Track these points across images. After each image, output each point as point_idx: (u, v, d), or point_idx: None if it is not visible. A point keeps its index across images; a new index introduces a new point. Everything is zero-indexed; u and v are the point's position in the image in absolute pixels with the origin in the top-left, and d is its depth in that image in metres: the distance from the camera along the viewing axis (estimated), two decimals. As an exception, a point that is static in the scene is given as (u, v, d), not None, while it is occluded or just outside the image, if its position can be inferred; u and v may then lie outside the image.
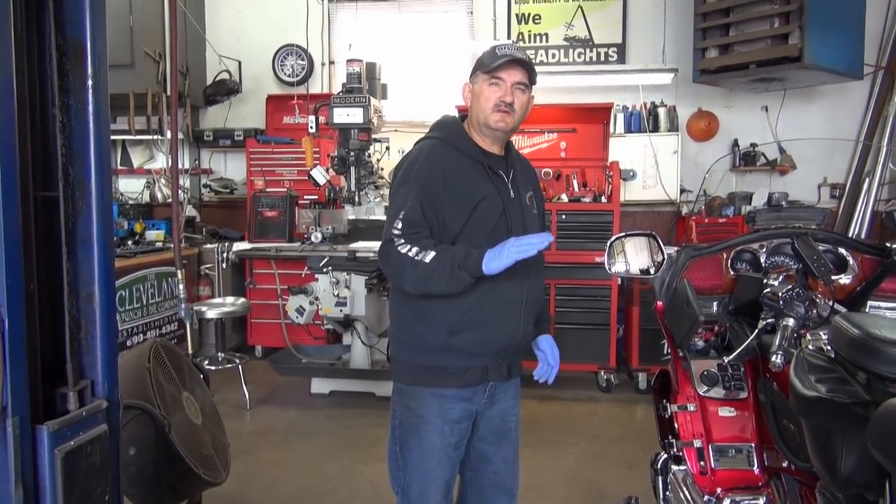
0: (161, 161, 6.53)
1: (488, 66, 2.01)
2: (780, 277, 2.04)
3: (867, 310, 2.21)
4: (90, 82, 1.39)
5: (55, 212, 1.36)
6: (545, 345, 2.23)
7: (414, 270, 1.89)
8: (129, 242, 5.55)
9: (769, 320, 1.95)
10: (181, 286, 2.73)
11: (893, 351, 1.30)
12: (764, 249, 2.28)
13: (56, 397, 1.35)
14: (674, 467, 2.26)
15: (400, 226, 1.94)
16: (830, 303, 1.98)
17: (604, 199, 5.16)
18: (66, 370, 1.36)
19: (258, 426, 4.44)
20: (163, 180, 6.45)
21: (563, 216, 5.04)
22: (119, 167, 6.74)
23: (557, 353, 2.23)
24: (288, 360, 5.06)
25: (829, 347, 1.60)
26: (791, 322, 1.86)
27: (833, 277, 2.15)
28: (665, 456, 2.32)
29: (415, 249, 1.90)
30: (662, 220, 6.09)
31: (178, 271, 2.68)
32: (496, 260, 1.85)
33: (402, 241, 1.92)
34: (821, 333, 1.79)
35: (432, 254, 1.88)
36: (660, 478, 2.34)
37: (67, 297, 1.39)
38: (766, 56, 5.11)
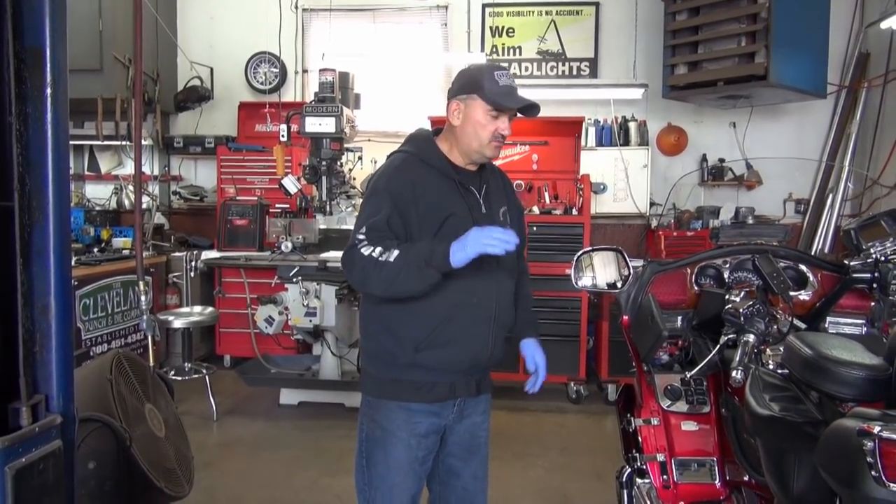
0: (129, 167, 6.44)
1: (493, 96, 1.96)
2: (742, 293, 2.08)
3: (827, 325, 2.26)
4: (49, 90, 1.36)
5: (10, 222, 1.32)
6: (527, 350, 2.22)
7: (380, 272, 1.86)
8: (95, 250, 5.45)
9: (731, 336, 1.98)
10: (143, 297, 2.68)
11: (843, 371, 1.32)
12: (727, 265, 2.32)
13: (8, 413, 1.31)
14: (638, 481, 2.28)
15: (364, 229, 1.94)
16: (790, 319, 2.01)
17: (574, 212, 5.22)
18: (20, 385, 1.33)
19: (225, 438, 4.38)
20: (131, 187, 6.36)
21: (534, 228, 5.05)
22: (87, 173, 6.64)
23: (541, 360, 2.20)
24: (257, 371, 5.00)
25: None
26: (751, 338, 1.89)
27: (793, 293, 2.20)
28: (629, 469, 2.33)
29: (378, 249, 1.87)
30: (632, 233, 6.16)
31: (141, 282, 2.62)
32: (460, 252, 1.83)
33: (366, 243, 1.90)
34: (780, 349, 1.82)
35: (396, 252, 1.86)
36: (625, 491, 2.36)
37: (22, 309, 1.35)
38: (733, 74, 5.21)
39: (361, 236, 1.92)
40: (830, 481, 1.21)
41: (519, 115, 2.06)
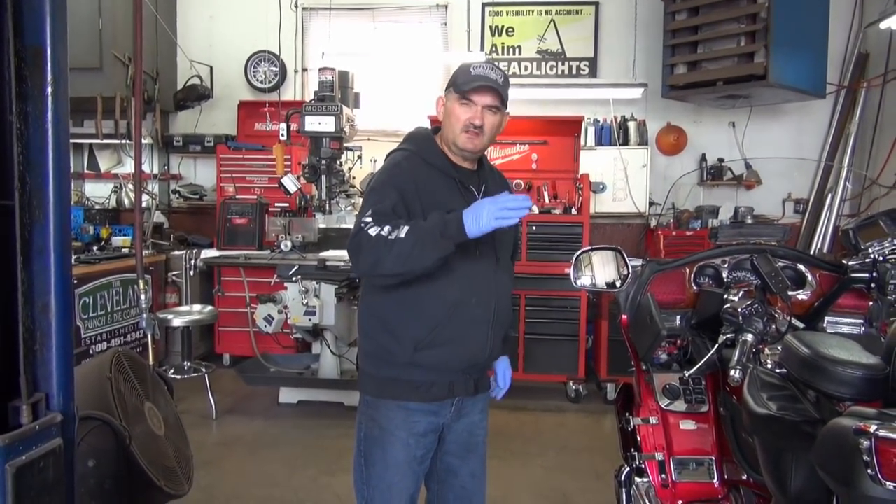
0: (129, 166, 6.44)
1: (460, 86, 1.99)
2: (740, 293, 2.09)
3: (825, 325, 2.27)
4: (49, 89, 1.36)
5: (10, 221, 1.33)
6: (499, 367, 2.27)
7: (391, 250, 1.81)
8: (95, 248, 5.45)
9: (729, 335, 1.99)
10: (143, 296, 2.68)
11: (841, 370, 1.33)
12: (726, 265, 2.32)
13: (8, 411, 1.32)
14: (637, 479, 2.29)
15: (370, 212, 1.89)
16: (788, 318, 2.02)
17: (574, 211, 5.22)
18: (20, 383, 1.33)
19: (224, 436, 4.38)
20: (130, 185, 6.36)
21: (534, 227, 5.08)
22: (86, 171, 6.64)
23: (509, 376, 2.27)
24: (256, 370, 5.00)
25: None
26: (750, 337, 1.90)
27: (791, 293, 2.20)
28: (628, 468, 2.34)
29: (387, 228, 1.83)
30: (632, 233, 6.17)
31: (140, 280, 2.62)
32: (474, 225, 1.78)
33: (372, 224, 1.85)
34: (779, 348, 1.83)
35: (406, 228, 1.81)
36: (623, 490, 2.36)
37: (22, 308, 1.35)
38: (732, 74, 5.22)
39: (368, 219, 1.87)
40: (827, 480, 1.22)
41: (507, 111, 2.07)
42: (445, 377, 2.04)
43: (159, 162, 6.55)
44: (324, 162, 4.54)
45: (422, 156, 2.06)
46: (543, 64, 6.32)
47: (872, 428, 1.12)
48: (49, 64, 1.33)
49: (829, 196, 5.93)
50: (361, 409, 2.14)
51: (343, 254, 4.65)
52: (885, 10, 5.23)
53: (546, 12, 6.28)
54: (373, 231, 1.84)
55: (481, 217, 1.78)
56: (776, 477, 1.42)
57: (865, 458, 1.11)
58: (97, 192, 6.60)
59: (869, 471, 1.10)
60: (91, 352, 4.80)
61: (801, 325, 2.12)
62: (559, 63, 6.31)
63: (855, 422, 1.15)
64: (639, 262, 2.44)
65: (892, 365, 1.32)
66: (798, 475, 1.36)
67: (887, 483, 1.09)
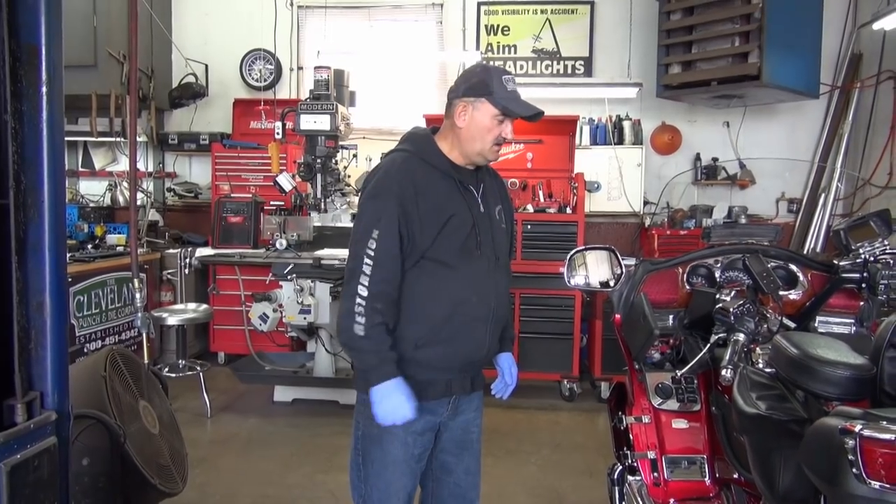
0: (123, 163, 6.43)
1: (502, 104, 1.96)
2: (732, 293, 2.10)
3: (816, 324, 2.29)
4: (44, 88, 1.37)
5: (6, 219, 1.33)
6: (504, 363, 2.24)
7: (353, 344, 1.94)
8: (89, 246, 5.43)
9: (721, 335, 2.00)
10: (138, 295, 2.68)
11: (828, 371, 1.34)
12: (719, 265, 2.34)
13: (3, 409, 1.32)
14: (629, 478, 2.30)
15: (370, 262, 1.91)
16: (779, 318, 2.03)
17: (569, 210, 5.23)
18: (14, 382, 1.33)
19: (218, 434, 4.38)
20: (125, 183, 6.34)
21: (529, 226, 5.09)
22: (81, 169, 6.64)
23: (515, 372, 2.24)
24: (251, 368, 5.00)
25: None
26: (741, 337, 1.91)
27: (783, 293, 2.22)
28: (621, 467, 2.35)
29: (368, 323, 1.92)
30: (626, 232, 6.19)
31: (135, 279, 2.63)
32: (378, 404, 1.92)
33: (362, 313, 1.91)
34: (769, 348, 1.84)
35: (371, 343, 1.92)
36: (616, 488, 2.38)
37: (17, 306, 1.36)
38: (726, 74, 5.24)
39: (361, 302, 1.91)
40: (814, 479, 1.23)
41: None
42: (444, 375, 2.05)
43: (154, 160, 6.54)
44: (319, 160, 4.54)
45: (421, 156, 2.04)
46: (539, 63, 6.34)
47: (857, 427, 1.13)
48: (44, 63, 1.33)
49: (823, 196, 5.95)
50: (359, 407, 2.13)
51: (338, 252, 4.66)
52: (879, 11, 5.25)
53: (541, 11, 6.28)
54: (358, 330, 1.91)
55: (381, 410, 1.93)
56: (765, 475, 1.44)
57: (850, 457, 1.12)
58: (92, 190, 6.58)
59: (854, 470, 1.12)
60: (85, 350, 4.79)
61: (793, 325, 2.13)
62: (554, 62, 6.32)
63: (840, 421, 1.17)
64: (632, 261, 2.45)
65: (879, 365, 1.34)
66: (786, 474, 1.38)
67: (872, 482, 1.11)
